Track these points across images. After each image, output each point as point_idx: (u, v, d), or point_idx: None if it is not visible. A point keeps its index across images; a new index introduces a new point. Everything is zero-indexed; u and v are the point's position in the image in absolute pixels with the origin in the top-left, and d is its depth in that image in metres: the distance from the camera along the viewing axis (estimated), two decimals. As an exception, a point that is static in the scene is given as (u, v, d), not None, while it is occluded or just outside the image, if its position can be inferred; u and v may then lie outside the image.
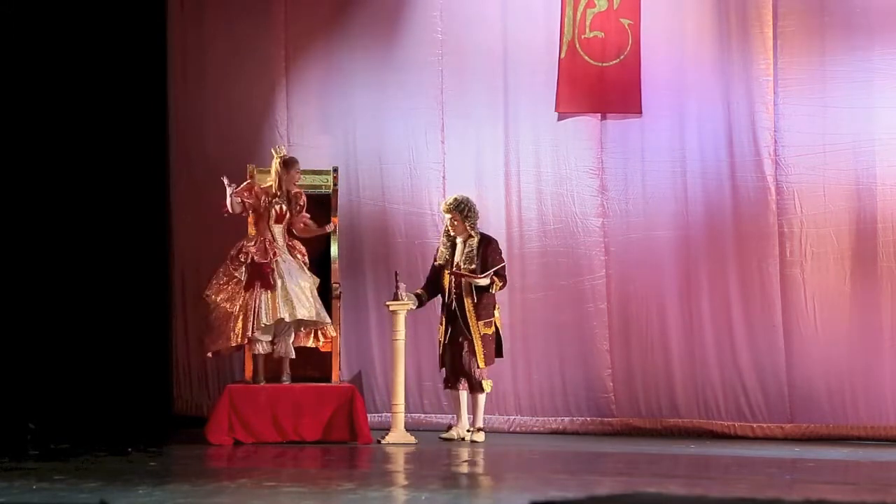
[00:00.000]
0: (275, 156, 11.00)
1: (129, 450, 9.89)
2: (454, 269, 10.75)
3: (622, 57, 11.27)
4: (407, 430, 10.77)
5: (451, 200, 10.85)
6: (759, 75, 11.01)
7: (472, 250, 10.76)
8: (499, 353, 10.88)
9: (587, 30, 11.34)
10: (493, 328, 10.79)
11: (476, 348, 10.70)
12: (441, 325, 10.85)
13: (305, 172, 11.42)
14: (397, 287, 10.72)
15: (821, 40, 10.91)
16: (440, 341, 10.85)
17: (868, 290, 10.79)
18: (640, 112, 11.25)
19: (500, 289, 10.81)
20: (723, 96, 11.12)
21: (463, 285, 10.72)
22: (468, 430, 10.80)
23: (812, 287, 10.91)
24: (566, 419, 11.44)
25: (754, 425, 11.01)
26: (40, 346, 11.72)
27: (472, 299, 10.71)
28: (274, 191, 10.92)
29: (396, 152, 11.80)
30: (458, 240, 10.84)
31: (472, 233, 10.80)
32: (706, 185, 11.16)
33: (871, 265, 10.80)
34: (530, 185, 11.54)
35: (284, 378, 10.87)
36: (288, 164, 10.96)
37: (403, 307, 10.74)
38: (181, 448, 10.43)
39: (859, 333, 10.80)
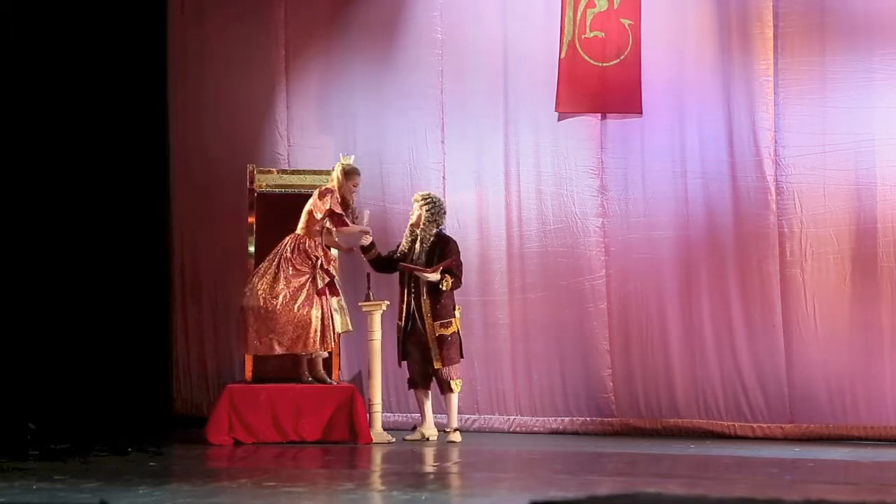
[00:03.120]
0: (339, 163, 10.96)
1: (129, 450, 9.89)
2: (406, 263, 10.80)
3: (622, 57, 11.27)
4: (395, 430, 10.85)
5: (424, 193, 10.97)
6: (760, 75, 11.00)
7: (427, 248, 10.80)
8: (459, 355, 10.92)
9: (587, 30, 11.34)
10: (453, 329, 10.81)
11: (432, 349, 10.73)
12: (399, 321, 10.87)
13: (305, 172, 11.45)
14: (368, 288, 10.86)
15: (821, 40, 10.90)
16: (398, 337, 10.89)
17: (868, 291, 10.78)
18: (641, 112, 11.24)
19: (453, 287, 10.80)
20: (723, 96, 11.11)
21: (420, 285, 10.74)
22: (445, 431, 10.85)
23: (812, 287, 10.90)
24: (566, 419, 11.43)
25: (754, 425, 11.00)
26: (40, 346, 11.71)
27: (428, 298, 10.73)
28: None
29: (396, 152, 11.81)
30: (419, 236, 10.87)
31: (432, 228, 10.82)
32: (706, 185, 11.16)
33: (871, 265, 10.79)
34: (530, 185, 11.54)
35: (326, 379, 10.94)
36: (349, 173, 10.92)
37: (377, 308, 10.78)
38: (181, 448, 10.43)
39: (859, 334, 10.79)
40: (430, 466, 9.69)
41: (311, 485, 8.47)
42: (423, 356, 10.83)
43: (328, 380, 10.96)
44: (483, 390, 11.60)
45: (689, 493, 7.83)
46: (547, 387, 11.48)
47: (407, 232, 10.98)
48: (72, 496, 7.78)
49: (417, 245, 10.88)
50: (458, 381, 10.87)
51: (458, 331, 10.89)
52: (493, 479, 8.92)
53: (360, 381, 11.50)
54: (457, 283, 10.86)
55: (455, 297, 10.94)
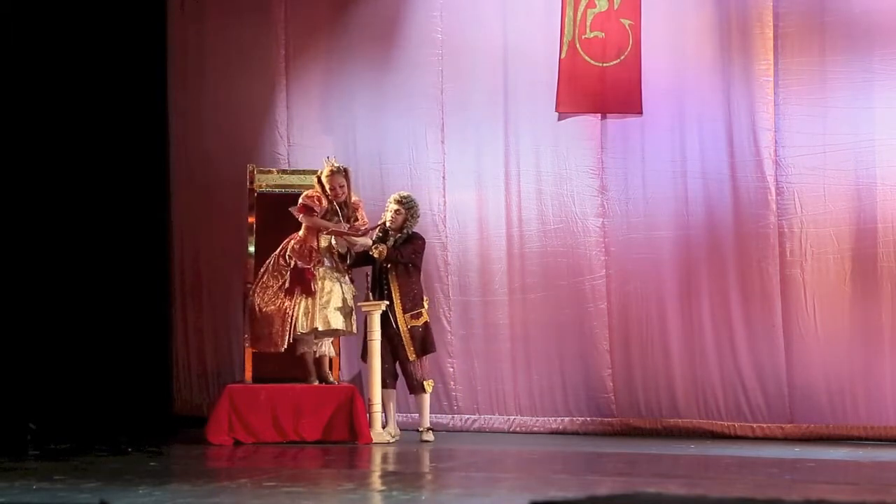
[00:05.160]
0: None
1: (129, 450, 9.89)
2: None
3: (622, 57, 11.27)
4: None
5: (405, 194, 10.96)
6: (760, 75, 11.00)
7: (397, 244, 10.82)
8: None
9: (587, 30, 11.35)
10: (424, 319, 10.83)
11: (405, 341, 10.73)
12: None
13: (305, 172, 11.43)
14: (368, 288, 10.83)
15: (821, 41, 10.90)
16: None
17: (868, 291, 10.78)
18: (641, 112, 11.24)
19: (383, 260, 10.71)
20: (723, 96, 11.11)
21: (391, 279, 10.75)
22: (418, 430, 10.85)
23: (812, 287, 10.90)
24: (566, 419, 11.44)
25: (754, 425, 11.00)
26: (40, 346, 11.71)
27: (398, 291, 10.74)
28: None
29: (396, 152, 11.81)
30: (391, 235, 10.89)
31: (407, 229, 10.85)
32: (706, 185, 11.16)
33: (871, 265, 10.79)
34: (530, 185, 11.54)
35: (329, 379, 10.94)
36: (323, 177, 10.91)
37: (376, 308, 10.76)
38: (181, 448, 10.43)
39: (859, 334, 10.79)
40: (430, 466, 9.69)
41: (311, 485, 8.47)
42: (393, 352, 10.83)
43: (331, 379, 10.96)
44: (483, 390, 11.60)
45: (689, 493, 7.82)
46: (547, 387, 11.48)
47: (379, 232, 10.95)
48: (72, 496, 7.77)
49: (391, 243, 10.87)
50: (430, 381, 10.87)
51: (428, 322, 10.89)
52: (493, 479, 8.92)
53: (360, 381, 11.50)
54: (384, 257, 10.71)
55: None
